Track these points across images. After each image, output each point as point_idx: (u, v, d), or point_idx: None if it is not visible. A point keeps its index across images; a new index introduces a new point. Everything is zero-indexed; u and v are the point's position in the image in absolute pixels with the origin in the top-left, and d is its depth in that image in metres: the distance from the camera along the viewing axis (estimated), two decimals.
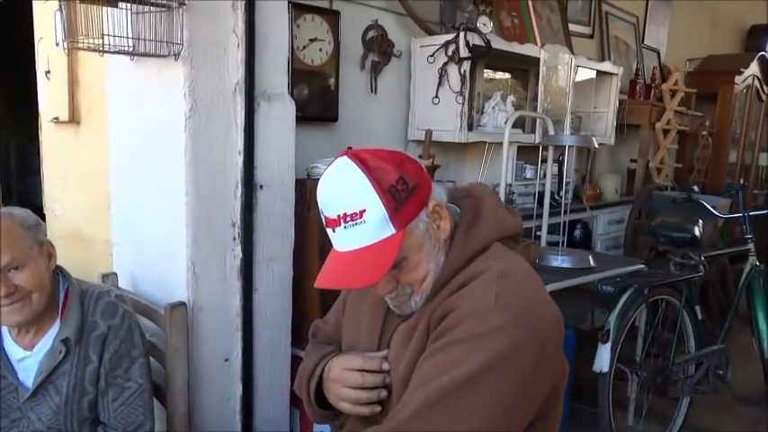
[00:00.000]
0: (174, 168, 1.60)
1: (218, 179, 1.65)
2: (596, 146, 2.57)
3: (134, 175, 1.77)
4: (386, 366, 1.07)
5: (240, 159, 1.66)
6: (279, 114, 1.73)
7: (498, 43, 2.69)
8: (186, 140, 1.56)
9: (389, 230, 0.95)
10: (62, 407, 1.35)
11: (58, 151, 2.16)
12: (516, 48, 2.83)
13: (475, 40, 2.56)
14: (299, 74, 2.31)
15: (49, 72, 2.08)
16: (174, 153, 1.59)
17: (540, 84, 2.99)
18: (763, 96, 5.59)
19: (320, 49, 2.38)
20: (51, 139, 2.19)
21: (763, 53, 5.40)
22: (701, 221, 2.83)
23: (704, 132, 4.57)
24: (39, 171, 2.30)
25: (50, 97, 2.10)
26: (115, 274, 1.82)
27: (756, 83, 5.31)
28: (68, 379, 1.35)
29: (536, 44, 3.09)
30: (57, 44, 2.02)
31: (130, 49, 1.48)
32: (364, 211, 0.94)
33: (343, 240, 0.98)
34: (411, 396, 0.93)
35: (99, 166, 1.91)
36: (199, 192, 1.61)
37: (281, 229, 1.80)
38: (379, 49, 2.65)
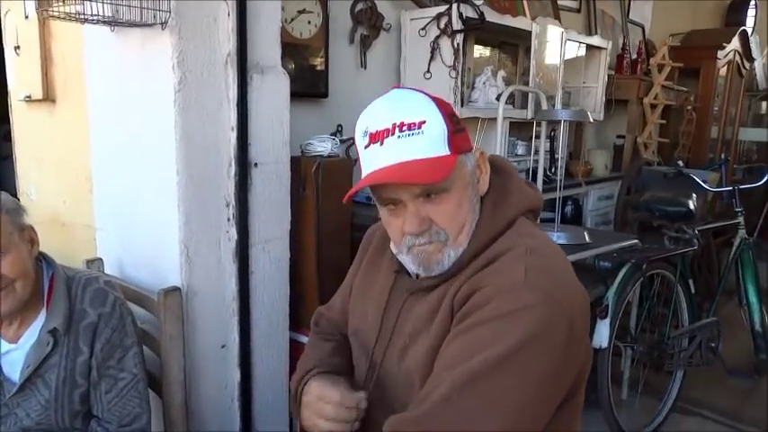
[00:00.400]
0: (164, 146, 1.50)
1: (211, 157, 1.56)
2: (591, 120, 2.53)
3: (118, 156, 1.67)
4: (363, 405, 1.01)
5: (233, 136, 1.57)
6: (272, 88, 1.64)
7: (491, 16, 2.62)
8: (176, 116, 1.47)
9: (445, 150, 0.90)
10: (52, 401, 1.26)
11: (31, 132, 2.04)
12: (508, 20, 2.75)
13: (468, 12, 2.48)
14: (288, 48, 2.21)
15: (18, 47, 1.95)
16: (164, 130, 1.49)
17: (531, 58, 2.93)
18: (744, 72, 5.62)
19: (309, 22, 2.29)
20: (24, 120, 2.07)
21: (743, 28, 5.41)
22: (693, 195, 2.81)
23: (689, 107, 4.57)
24: (10, 154, 2.18)
25: (21, 74, 1.97)
26: (100, 259, 1.72)
27: (737, 58, 5.33)
28: (58, 372, 1.26)
29: (526, 17, 3.02)
30: (26, 17, 1.91)
31: (111, 17, 1.37)
32: (424, 122, 0.88)
33: (391, 151, 0.88)
34: (438, 380, 0.87)
35: (78, 146, 1.80)
36: (190, 170, 1.52)
37: (277, 210, 1.72)
38: (369, 22, 2.56)
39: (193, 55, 1.47)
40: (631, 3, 4.58)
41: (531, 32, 2.91)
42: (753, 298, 3.03)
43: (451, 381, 0.84)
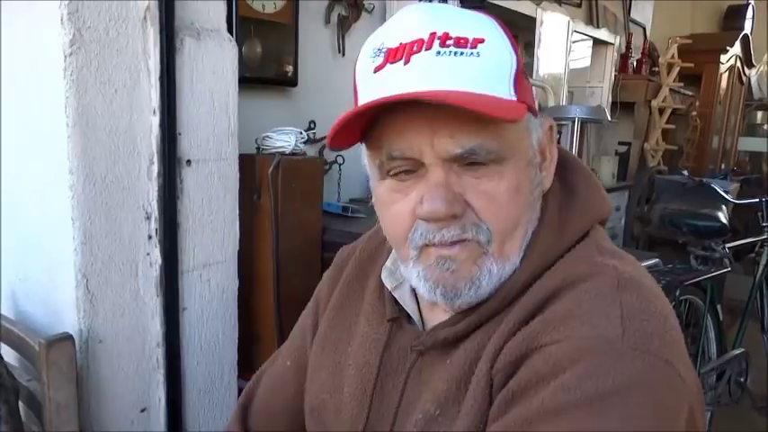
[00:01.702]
0: (53, 135, 1.07)
1: (122, 150, 1.12)
2: (609, 119, 2.16)
3: (3, 147, 1.22)
4: None
5: (155, 121, 1.14)
6: (213, 59, 1.21)
7: None
8: (67, 92, 1.03)
9: (509, 92, 0.55)
10: None
11: None
12: (511, 3, 2.38)
13: None
14: (248, 23, 1.81)
15: None
16: (52, 110, 1.06)
17: (536, 48, 2.55)
18: (744, 79, 5.37)
19: None
20: None
21: (746, 32, 5.17)
22: (724, 208, 2.45)
23: (694, 113, 4.26)
24: None
25: None
26: None
27: (738, 64, 5.08)
28: None
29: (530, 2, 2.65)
30: None
31: None
32: (482, 41, 0.54)
33: (422, 72, 0.53)
34: None
35: None
36: (91, 169, 1.08)
37: (220, 223, 1.29)
38: (349, 0, 2.15)
39: (94, 5, 1.04)
40: (632, 2, 4.27)
41: (534, 20, 2.54)
42: None
43: None
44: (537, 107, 0.60)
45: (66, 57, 1.02)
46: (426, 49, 0.53)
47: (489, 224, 0.56)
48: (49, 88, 1.05)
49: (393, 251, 0.66)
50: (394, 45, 0.54)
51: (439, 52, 0.53)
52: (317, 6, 2.09)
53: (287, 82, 1.97)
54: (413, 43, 0.54)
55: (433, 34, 0.53)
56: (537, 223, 0.60)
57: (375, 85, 0.55)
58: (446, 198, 0.54)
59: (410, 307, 0.66)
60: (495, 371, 0.55)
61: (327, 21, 2.14)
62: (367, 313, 0.70)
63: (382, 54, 0.55)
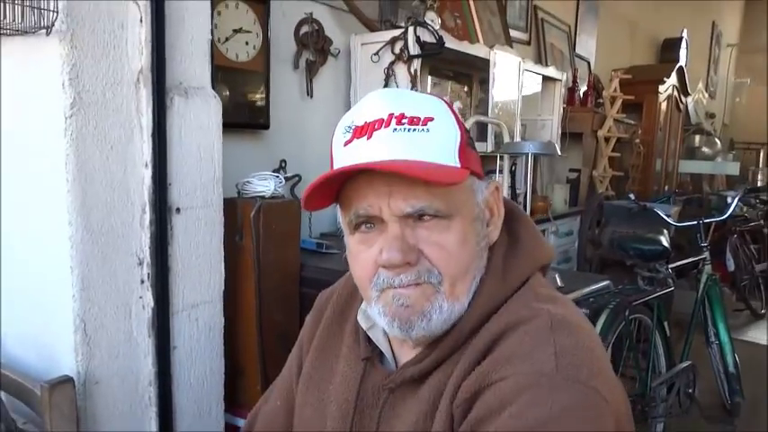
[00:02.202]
0: (54, 188, 1.14)
1: (117, 201, 1.20)
2: (560, 153, 2.33)
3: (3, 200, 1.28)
4: None
5: (147, 174, 1.23)
6: (200, 114, 1.31)
7: (449, 42, 2.40)
8: (68, 149, 1.12)
9: (454, 161, 0.66)
10: None
11: None
12: (467, 47, 2.55)
13: (425, 36, 2.25)
14: (222, 72, 1.90)
15: None
16: (53, 167, 1.13)
17: (491, 88, 2.73)
18: (681, 106, 5.74)
19: (247, 43, 1.98)
20: None
21: (680, 65, 5.55)
22: (665, 232, 2.65)
23: (637, 140, 4.54)
24: None
25: None
26: None
27: (675, 93, 5.44)
28: None
29: (482, 45, 2.84)
30: None
31: None
32: (431, 119, 0.66)
33: (381, 146, 0.64)
34: None
35: None
36: (88, 220, 1.16)
37: (207, 266, 1.37)
38: (315, 46, 2.29)
39: (92, 70, 1.13)
40: (577, 37, 4.56)
41: (488, 61, 2.72)
42: (724, 337, 2.90)
43: None
44: (482, 172, 0.71)
45: (66, 118, 1.11)
46: (385, 127, 0.64)
47: (440, 269, 0.66)
48: (50, 147, 1.13)
49: None
50: (360, 123, 0.66)
51: (395, 129, 0.64)
52: (285, 52, 2.21)
53: (260, 125, 2.07)
54: (374, 122, 0.65)
55: (390, 115, 0.65)
56: (484, 270, 0.70)
57: (345, 156, 0.66)
58: (401, 249, 0.65)
59: (383, 345, 0.75)
60: (455, 406, 0.64)
61: (296, 66, 2.25)
62: (345, 353, 0.78)
63: (350, 131, 0.66)
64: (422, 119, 0.65)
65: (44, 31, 1.05)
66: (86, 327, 1.17)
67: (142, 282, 1.26)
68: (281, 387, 0.90)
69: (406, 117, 0.65)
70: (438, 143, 0.65)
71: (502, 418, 0.58)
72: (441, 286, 0.66)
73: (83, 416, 1.17)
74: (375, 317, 0.71)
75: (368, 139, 0.65)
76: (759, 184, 8.14)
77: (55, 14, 1.05)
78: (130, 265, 1.24)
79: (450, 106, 0.70)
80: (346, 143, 0.67)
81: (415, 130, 0.65)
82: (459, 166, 0.66)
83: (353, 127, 0.66)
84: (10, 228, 1.26)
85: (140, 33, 1.19)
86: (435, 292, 0.66)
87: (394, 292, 0.67)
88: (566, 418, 0.58)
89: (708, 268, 2.94)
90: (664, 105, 5.18)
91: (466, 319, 0.68)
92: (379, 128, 0.65)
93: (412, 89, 2.26)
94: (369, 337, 0.76)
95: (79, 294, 1.16)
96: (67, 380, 1.12)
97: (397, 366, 0.75)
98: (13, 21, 1.01)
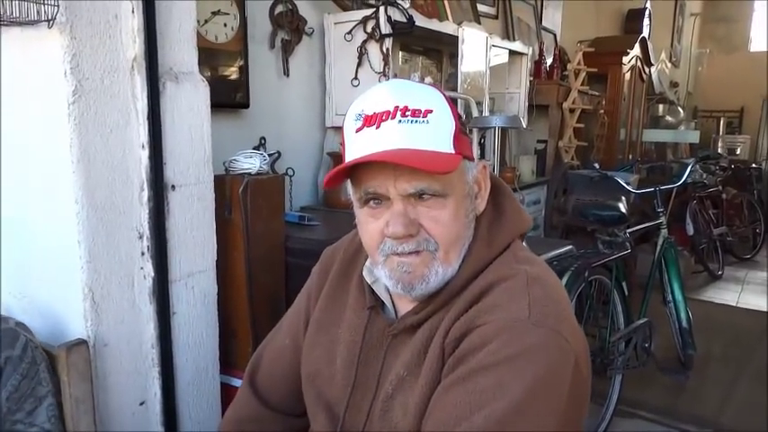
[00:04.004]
0: (60, 170, 1.24)
1: (118, 180, 1.31)
2: (525, 126, 2.48)
3: (6, 184, 1.37)
4: None
5: (144, 154, 1.33)
6: (190, 97, 1.41)
7: (418, 20, 2.50)
8: (72, 133, 1.21)
9: (449, 147, 0.79)
10: None
11: None
12: (435, 25, 2.66)
13: (396, 15, 2.35)
14: (203, 53, 1.96)
15: None
16: (58, 150, 1.23)
17: (459, 64, 2.85)
18: (645, 76, 5.93)
19: (225, 25, 2.06)
20: None
21: (643, 36, 5.72)
22: (623, 198, 2.84)
23: (601, 111, 4.72)
24: None
25: None
26: None
27: (639, 63, 5.61)
28: None
29: (451, 22, 2.94)
30: None
31: None
32: (431, 111, 0.78)
33: (388, 136, 0.77)
34: None
35: None
36: (93, 198, 1.26)
37: (200, 238, 1.49)
38: (290, 26, 2.37)
39: (90, 59, 1.22)
40: (543, 10, 4.68)
41: (457, 38, 2.83)
42: (678, 295, 3.11)
43: None
44: (473, 154, 0.85)
45: (69, 105, 1.20)
46: (391, 118, 0.77)
47: (437, 239, 0.80)
48: (54, 132, 1.23)
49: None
50: (369, 113, 0.79)
51: (401, 120, 0.77)
52: (262, 32, 2.28)
53: (240, 104, 2.16)
54: (382, 113, 0.78)
55: (396, 107, 0.77)
56: (472, 238, 0.84)
57: (357, 143, 0.79)
58: (404, 223, 0.79)
59: (385, 297, 0.90)
60: (446, 344, 0.79)
61: (272, 45, 2.33)
62: (351, 303, 0.93)
63: (361, 119, 0.79)
64: (422, 111, 0.77)
65: (46, 23, 1.13)
66: (94, 295, 1.29)
67: (143, 254, 1.38)
68: (289, 328, 1.03)
69: (409, 110, 0.77)
70: (436, 133, 0.78)
71: (483, 352, 0.74)
72: (437, 253, 0.80)
73: (93, 374, 1.29)
74: (381, 277, 0.85)
75: (376, 128, 0.77)
76: (719, 150, 8.48)
77: (56, 8, 1.13)
78: (132, 238, 1.35)
79: (447, 97, 0.82)
80: (357, 130, 0.79)
81: (416, 121, 0.77)
82: (453, 152, 0.79)
83: (363, 115, 0.79)
84: (20, 210, 1.35)
85: (133, 23, 1.28)
86: (432, 258, 0.81)
87: (399, 260, 0.81)
88: (533, 353, 0.73)
89: (664, 232, 3.13)
90: (627, 76, 5.34)
91: (457, 278, 0.83)
92: (386, 119, 0.77)
93: (385, 66, 2.37)
94: (372, 289, 0.91)
95: (86, 266, 1.27)
96: (82, 342, 1.24)
97: (396, 315, 0.90)
98: (19, 15, 1.10)
